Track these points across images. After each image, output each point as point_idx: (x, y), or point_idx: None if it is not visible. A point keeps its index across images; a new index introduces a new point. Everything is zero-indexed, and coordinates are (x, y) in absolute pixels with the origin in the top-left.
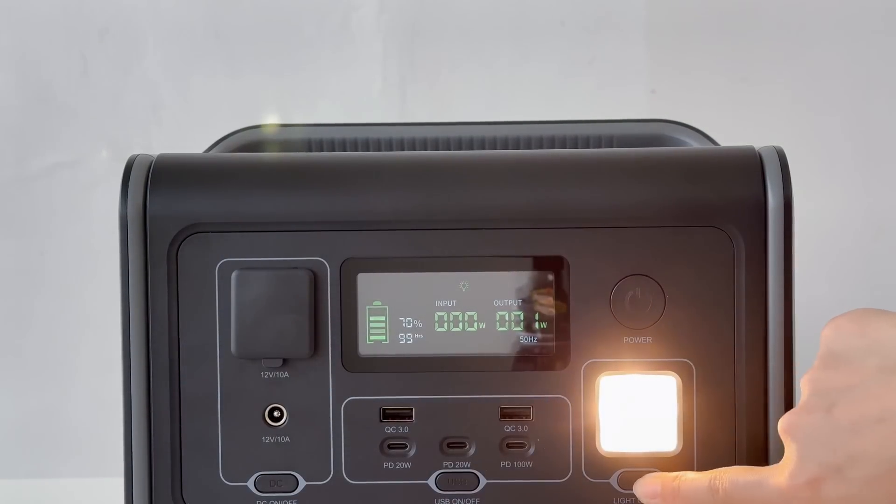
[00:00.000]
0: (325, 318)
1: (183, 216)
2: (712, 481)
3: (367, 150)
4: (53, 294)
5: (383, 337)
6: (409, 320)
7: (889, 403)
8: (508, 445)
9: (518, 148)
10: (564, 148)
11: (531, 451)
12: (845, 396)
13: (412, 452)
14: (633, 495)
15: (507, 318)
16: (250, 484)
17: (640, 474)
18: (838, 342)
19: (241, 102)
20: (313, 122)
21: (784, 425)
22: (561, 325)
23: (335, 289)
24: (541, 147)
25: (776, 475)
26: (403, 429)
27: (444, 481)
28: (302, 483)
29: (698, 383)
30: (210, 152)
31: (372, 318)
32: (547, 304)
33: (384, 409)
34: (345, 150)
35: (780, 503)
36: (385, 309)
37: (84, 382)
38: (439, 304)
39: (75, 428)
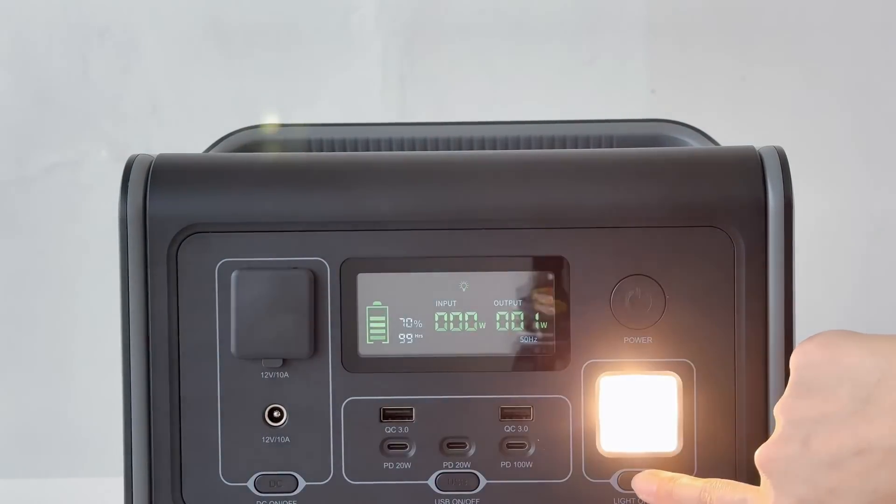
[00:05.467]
0: (325, 319)
1: (183, 216)
2: (702, 493)
3: (367, 150)
4: (53, 294)
5: (383, 337)
6: (409, 320)
7: (865, 434)
8: (508, 445)
9: (518, 148)
10: (564, 148)
11: (531, 451)
12: (820, 427)
13: (412, 452)
14: (634, 495)
15: (507, 318)
16: (250, 484)
17: None
18: (808, 369)
19: (241, 102)
20: (313, 122)
21: (760, 459)
22: (561, 325)
23: (335, 289)
24: (541, 147)
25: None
26: (403, 429)
27: (444, 481)
28: (302, 483)
29: (698, 383)
30: (210, 152)
31: (372, 319)
32: (547, 304)
33: (384, 409)
34: (345, 150)
35: None
36: (385, 309)
37: (84, 382)
38: (439, 304)
39: (75, 428)
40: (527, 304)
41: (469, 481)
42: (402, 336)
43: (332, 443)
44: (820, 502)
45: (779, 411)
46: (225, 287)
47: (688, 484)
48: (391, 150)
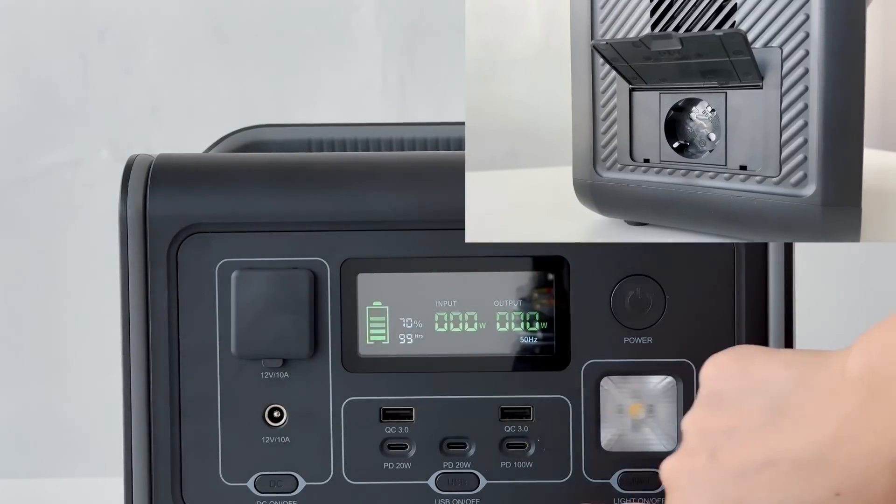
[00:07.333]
0: (325, 318)
1: (183, 216)
2: None
3: (367, 150)
4: (53, 294)
5: (383, 337)
6: (409, 320)
7: (776, 444)
8: (508, 445)
9: None
10: None
11: (531, 451)
12: (728, 439)
13: (412, 452)
14: (634, 495)
15: (507, 318)
16: (250, 484)
17: (641, 474)
18: (720, 382)
19: (241, 102)
20: (313, 122)
21: (665, 472)
22: (561, 325)
23: (335, 289)
24: None
25: None
26: (403, 429)
27: (444, 481)
28: (302, 483)
29: (698, 383)
30: (210, 152)
31: (372, 319)
32: (547, 304)
33: (384, 409)
34: (345, 150)
35: None
36: (385, 309)
37: (84, 382)
38: (439, 304)
39: (75, 428)
40: (527, 304)
41: (469, 481)
42: (402, 336)
43: (332, 443)
44: None
45: (687, 424)
46: (225, 287)
47: None
48: (391, 150)
